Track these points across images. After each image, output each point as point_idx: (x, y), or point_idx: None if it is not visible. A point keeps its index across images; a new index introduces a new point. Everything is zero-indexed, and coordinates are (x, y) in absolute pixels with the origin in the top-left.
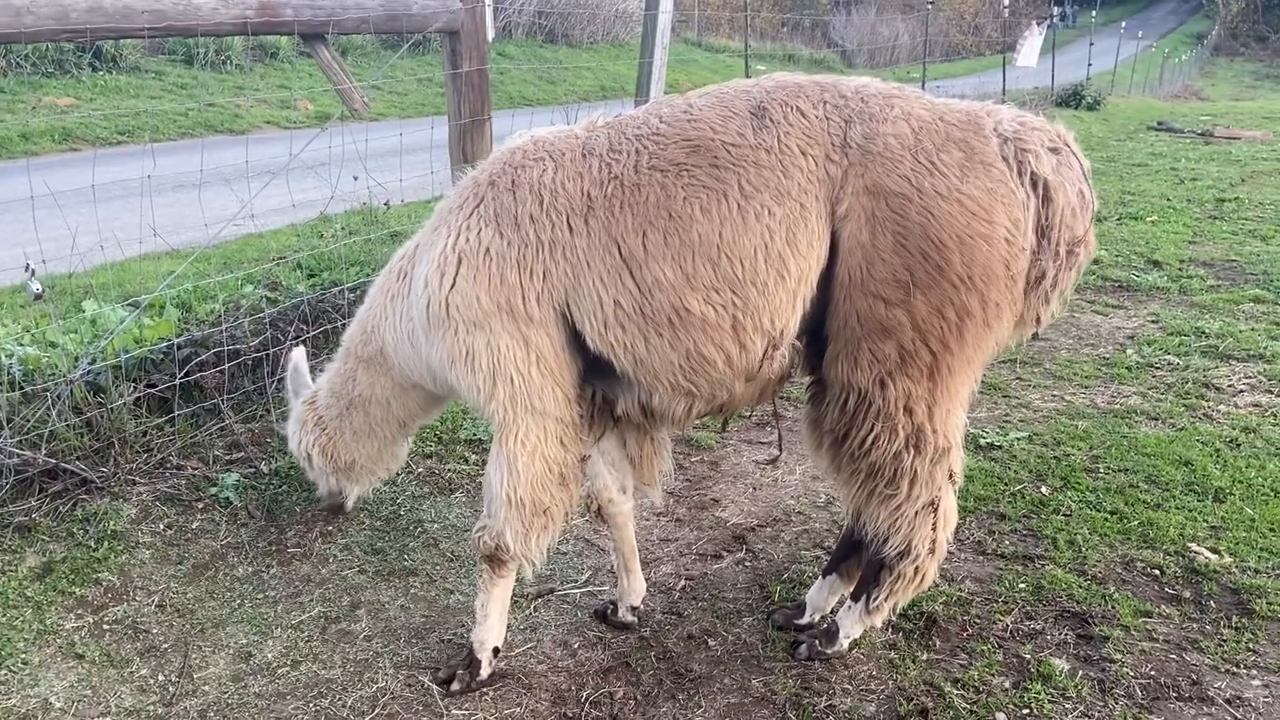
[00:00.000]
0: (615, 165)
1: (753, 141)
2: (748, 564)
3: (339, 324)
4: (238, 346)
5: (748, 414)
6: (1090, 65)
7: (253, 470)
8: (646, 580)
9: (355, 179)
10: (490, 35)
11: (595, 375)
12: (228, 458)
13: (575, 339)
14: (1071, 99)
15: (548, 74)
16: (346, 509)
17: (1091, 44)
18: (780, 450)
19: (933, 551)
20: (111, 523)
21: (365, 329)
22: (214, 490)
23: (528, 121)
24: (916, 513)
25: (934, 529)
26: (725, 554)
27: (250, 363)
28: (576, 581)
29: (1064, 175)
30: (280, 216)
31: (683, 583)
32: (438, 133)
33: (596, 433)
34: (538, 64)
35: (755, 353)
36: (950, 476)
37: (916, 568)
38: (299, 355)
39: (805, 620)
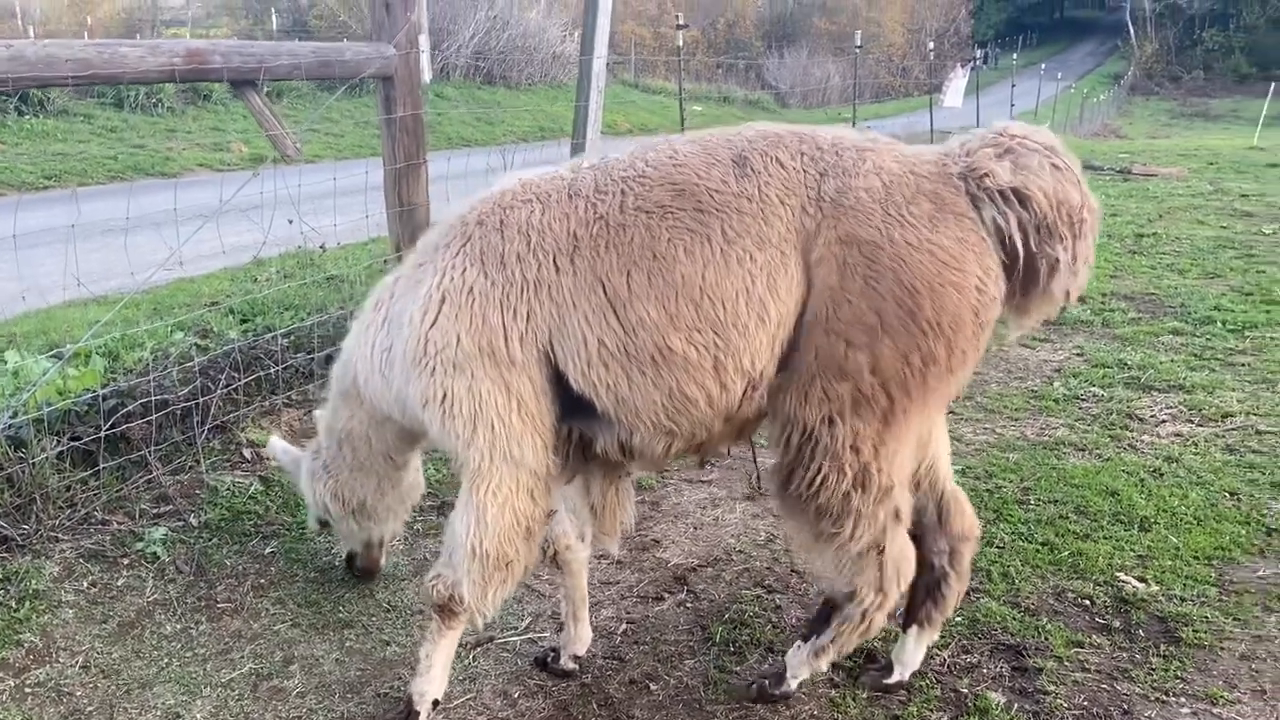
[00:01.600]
0: (601, 206)
1: (735, 189)
2: (689, 605)
3: (271, 371)
4: (166, 396)
5: (725, 454)
6: (1013, 106)
7: (181, 524)
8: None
9: (290, 222)
10: (427, 77)
11: (575, 415)
12: (155, 511)
13: (557, 381)
14: None
15: (486, 115)
16: (378, 561)
17: (1013, 85)
18: (758, 486)
19: (881, 598)
20: (33, 581)
21: (345, 362)
22: (140, 545)
23: (464, 163)
24: (860, 553)
25: (880, 574)
26: (666, 595)
27: (179, 413)
28: (517, 629)
29: (1025, 166)
30: (213, 261)
31: (624, 626)
32: (374, 175)
33: (568, 475)
34: (476, 105)
35: (735, 393)
36: (896, 516)
37: (863, 613)
38: (274, 441)
39: (780, 691)
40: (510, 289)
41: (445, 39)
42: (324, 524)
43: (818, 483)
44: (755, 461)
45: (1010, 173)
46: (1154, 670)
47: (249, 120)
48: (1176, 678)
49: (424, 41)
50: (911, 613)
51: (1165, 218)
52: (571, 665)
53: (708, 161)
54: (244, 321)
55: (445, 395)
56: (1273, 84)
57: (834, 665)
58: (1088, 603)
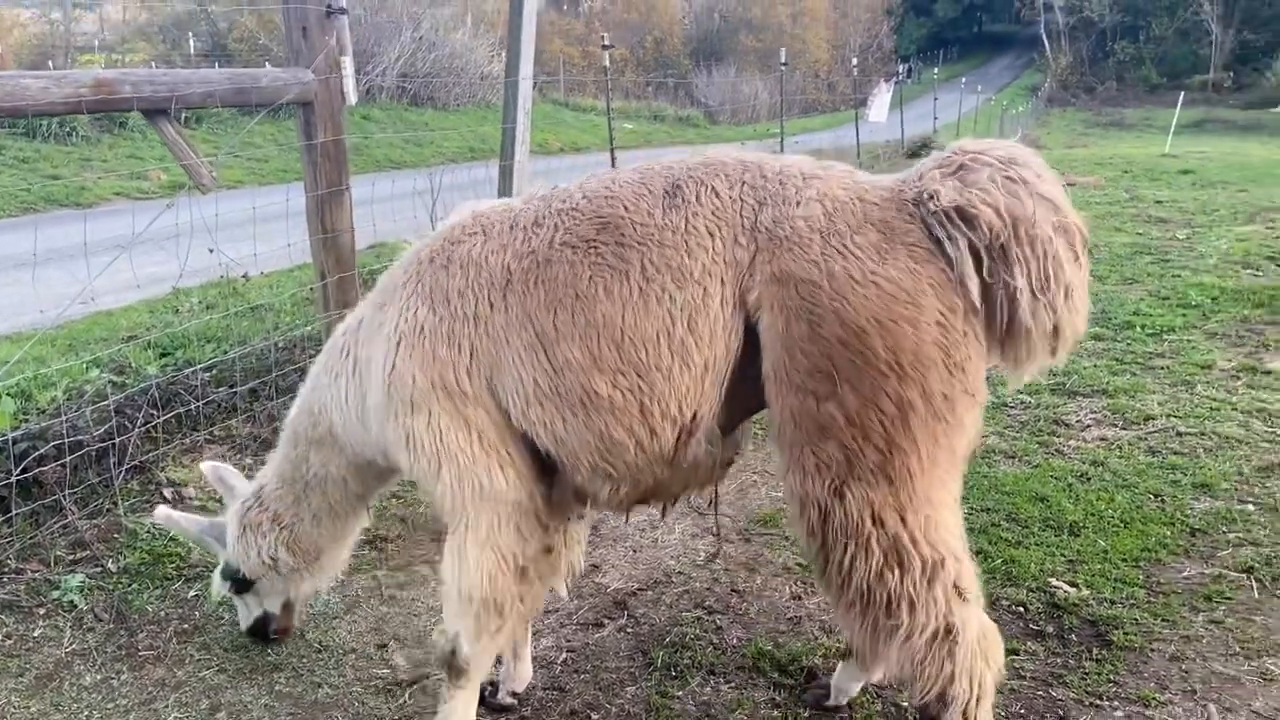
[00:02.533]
0: (534, 240)
1: (660, 221)
2: (629, 630)
3: (192, 407)
4: (80, 437)
5: (692, 500)
6: (936, 119)
7: (99, 569)
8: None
9: (211, 251)
10: (353, 100)
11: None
12: (71, 558)
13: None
14: (921, 150)
15: (414, 137)
16: (294, 622)
17: (936, 99)
18: (719, 540)
19: (977, 691)
20: None
21: (312, 411)
22: (57, 594)
23: (389, 186)
24: (927, 644)
25: (965, 662)
26: (607, 621)
27: (95, 454)
28: None
29: (973, 182)
30: (131, 293)
31: (564, 655)
32: (296, 201)
33: (573, 508)
34: (404, 127)
35: (666, 439)
36: (960, 594)
37: (964, 715)
38: (212, 467)
39: None
40: (454, 324)
41: (370, 61)
42: (244, 586)
43: (848, 565)
44: (716, 513)
45: (955, 191)
46: (1087, 674)
47: (167, 148)
48: (1109, 681)
49: (348, 64)
50: None
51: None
52: (510, 700)
53: (639, 192)
54: (164, 356)
55: (409, 436)
56: (1181, 93)
57: (775, 684)
58: (1021, 609)
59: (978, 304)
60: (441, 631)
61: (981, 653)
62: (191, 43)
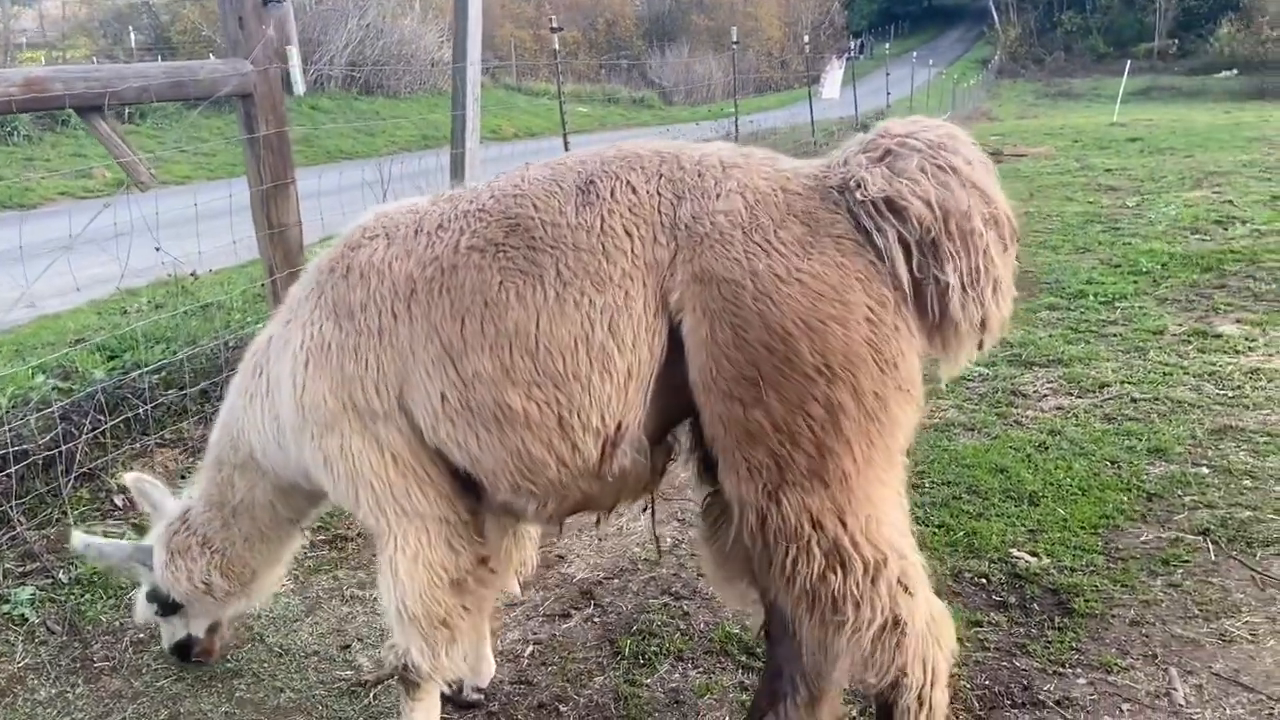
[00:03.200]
0: (438, 244)
1: (573, 221)
2: (596, 620)
3: (140, 411)
4: (25, 446)
5: (626, 510)
6: (889, 94)
7: (50, 581)
8: (493, 649)
9: (158, 249)
10: (301, 90)
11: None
12: (21, 570)
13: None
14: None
15: (365, 126)
16: (216, 644)
17: (888, 74)
18: (658, 550)
19: (930, 674)
20: None
21: (232, 434)
22: (7, 608)
23: (337, 178)
24: (875, 637)
25: (915, 649)
26: (573, 612)
27: (41, 462)
28: None
29: (901, 170)
30: (80, 295)
31: (531, 648)
32: (241, 196)
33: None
34: (354, 117)
35: (589, 453)
36: (905, 588)
37: (919, 697)
38: (135, 479)
39: None
40: (360, 339)
41: (317, 50)
42: (171, 609)
43: (790, 567)
44: (653, 523)
45: (883, 180)
46: (1050, 643)
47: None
48: (1071, 648)
49: (294, 54)
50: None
51: (1037, 196)
52: (476, 696)
53: (550, 190)
54: (111, 359)
55: (325, 459)
56: (1128, 61)
57: (743, 667)
58: (984, 581)
59: (909, 297)
60: (392, 647)
61: (933, 638)
62: (133, 36)
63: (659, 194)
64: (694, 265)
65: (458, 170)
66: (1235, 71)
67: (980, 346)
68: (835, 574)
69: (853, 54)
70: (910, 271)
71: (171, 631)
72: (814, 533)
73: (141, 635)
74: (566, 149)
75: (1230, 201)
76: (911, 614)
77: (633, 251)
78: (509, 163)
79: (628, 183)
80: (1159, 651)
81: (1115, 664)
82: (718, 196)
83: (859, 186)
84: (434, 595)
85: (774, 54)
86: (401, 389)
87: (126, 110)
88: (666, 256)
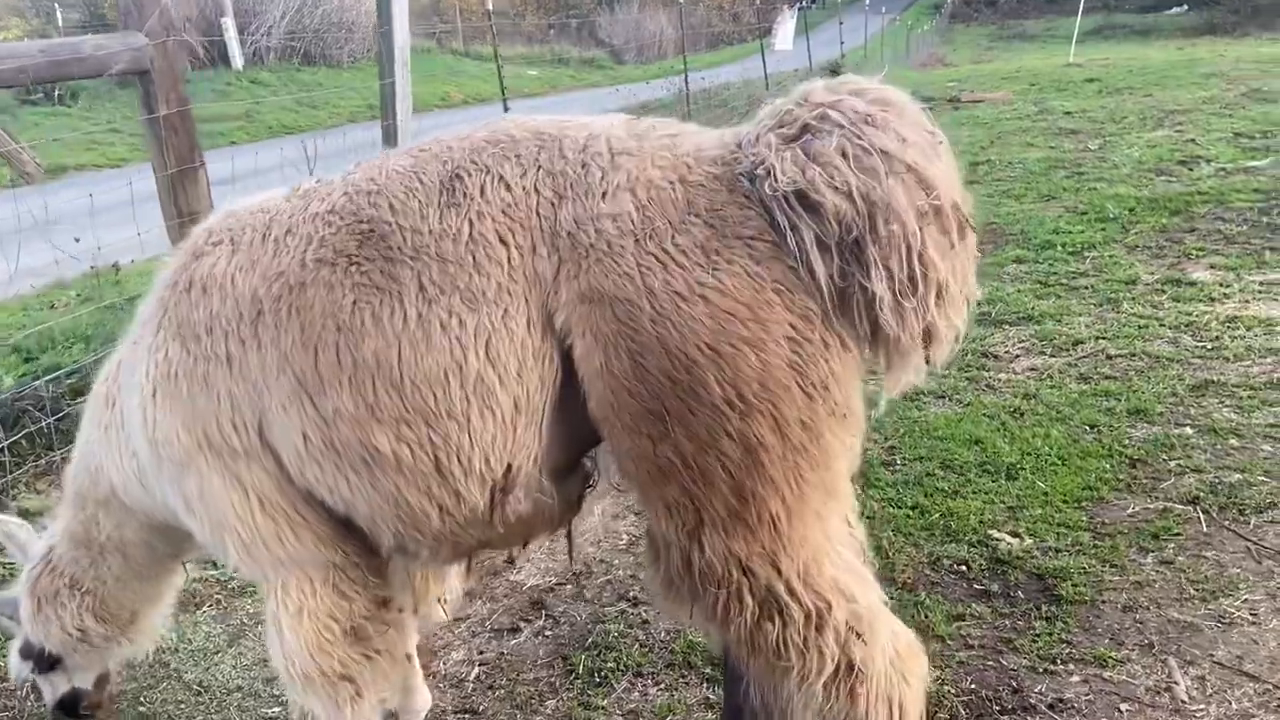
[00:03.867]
0: (285, 256)
1: (437, 226)
2: (548, 633)
3: (44, 424)
4: None
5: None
6: (843, 43)
7: None
8: (435, 672)
9: (77, 240)
10: (239, 63)
11: None
12: None
13: None
14: (830, 78)
15: (308, 98)
16: (104, 696)
17: (841, 23)
18: (579, 579)
19: (899, 714)
20: None
21: (90, 468)
22: None
23: (278, 154)
24: (827, 685)
25: (871, 695)
26: (523, 625)
27: None
28: None
29: (817, 154)
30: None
31: (476, 670)
32: (146, 183)
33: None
34: (296, 89)
35: (476, 501)
36: (855, 633)
37: None
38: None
39: None
40: (209, 366)
41: (254, 21)
42: (49, 664)
43: (722, 614)
44: (571, 556)
45: (795, 166)
46: (1038, 636)
47: (35, 130)
48: (1062, 641)
49: (230, 26)
50: None
51: (997, 143)
52: None
53: (409, 187)
54: (27, 361)
55: (185, 501)
56: (1082, 1)
57: (707, 680)
58: (964, 568)
59: (834, 307)
60: (297, 707)
61: (899, 675)
62: (59, 14)
63: (536, 191)
64: (580, 282)
65: (390, 143)
66: (1185, 8)
67: (929, 361)
68: (772, 623)
69: (805, 4)
70: (831, 280)
71: (53, 688)
72: (744, 579)
73: None
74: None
75: (1193, 140)
76: (868, 658)
77: (509, 262)
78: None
79: (500, 177)
80: (1155, 640)
81: (1110, 657)
82: (604, 195)
83: (768, 175)
84: (326, 650)
85: (725, 7)
86: (261, 423)
87: (56, 92)
88: (549, 270)
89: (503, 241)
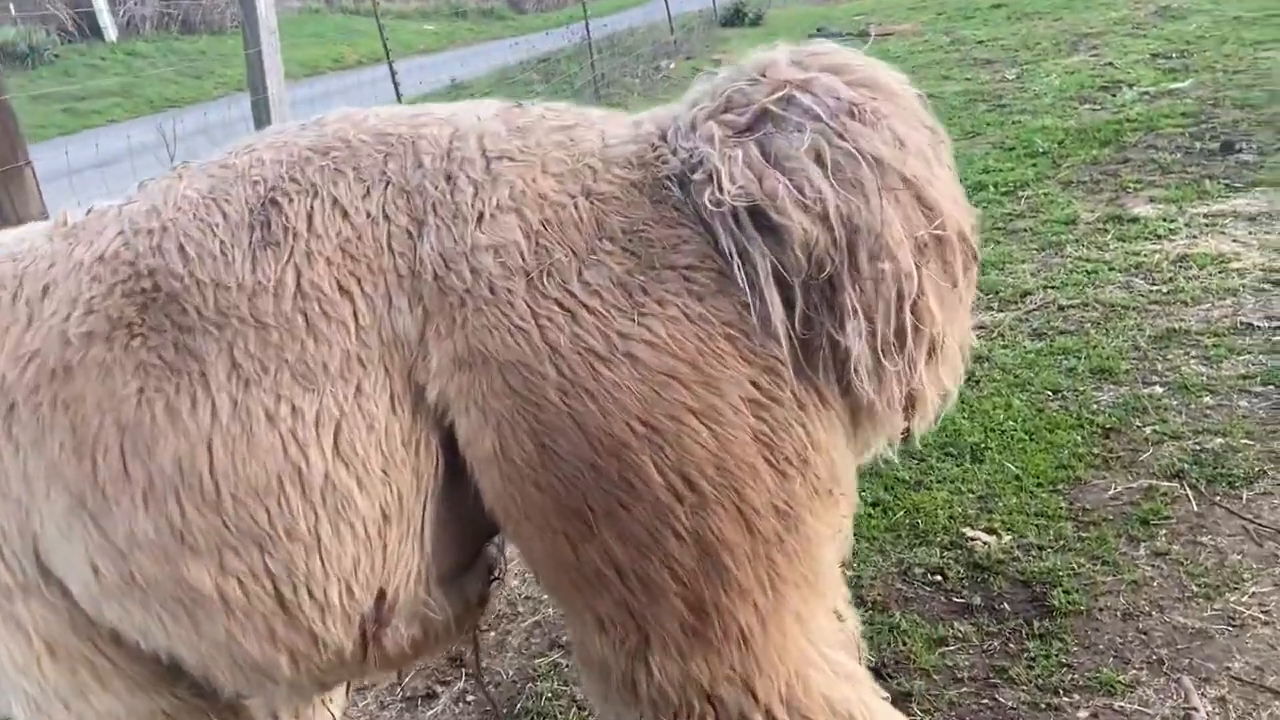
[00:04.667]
0: (41, 327)
1: (248, 278)
2: (470, 697)
3: None
4: None
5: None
6: None
7: None
8: None
9: None
10: (112, 35)
11: None
12: None
13: None
14: (735, 18)
15: (191, 69)
16: None
17: None
18: (491, 703)
19: None
20: None
21: None
22: None
23: (153, 132)
24: None
25: None
26: (440, 689)
27: None
28: None
29: (784, 157)
30: None
31: None
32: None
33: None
34: (176, 59)
35: (339, 642)
36: None
37: None
38: None
39: None
40: None
41: None
42: None
43: None
44: (479, 677)
45: (747, 173)
46: (1034, 661)
47: None
48: (1061, 664)
49: None
50: None
51: (913, 78)
52: None
53: (205, 221)
54: None
55: None
56: None
57: None
58: (939, 578)
59: (800, 358)
60: None
61: None
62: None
63: (385, 218)
64: (455, 342)
65: (261, 120)
66: None
67: (909, 436)
68: None
69: None
70: (791, 329)
71: None
72: (709, 707)
73: None
74: (393, 78)
75: (1111, 64)
76: None
77: (355, 321)
78: (335, 101)
79: (333, 200)
80: (1164, 654)
81: (1117, 681)
82: (480, 220)
83: (709, 181)
84: None
85: None
86: (36, 550)
87: None
88: (412, 328)
89: (344, 292)
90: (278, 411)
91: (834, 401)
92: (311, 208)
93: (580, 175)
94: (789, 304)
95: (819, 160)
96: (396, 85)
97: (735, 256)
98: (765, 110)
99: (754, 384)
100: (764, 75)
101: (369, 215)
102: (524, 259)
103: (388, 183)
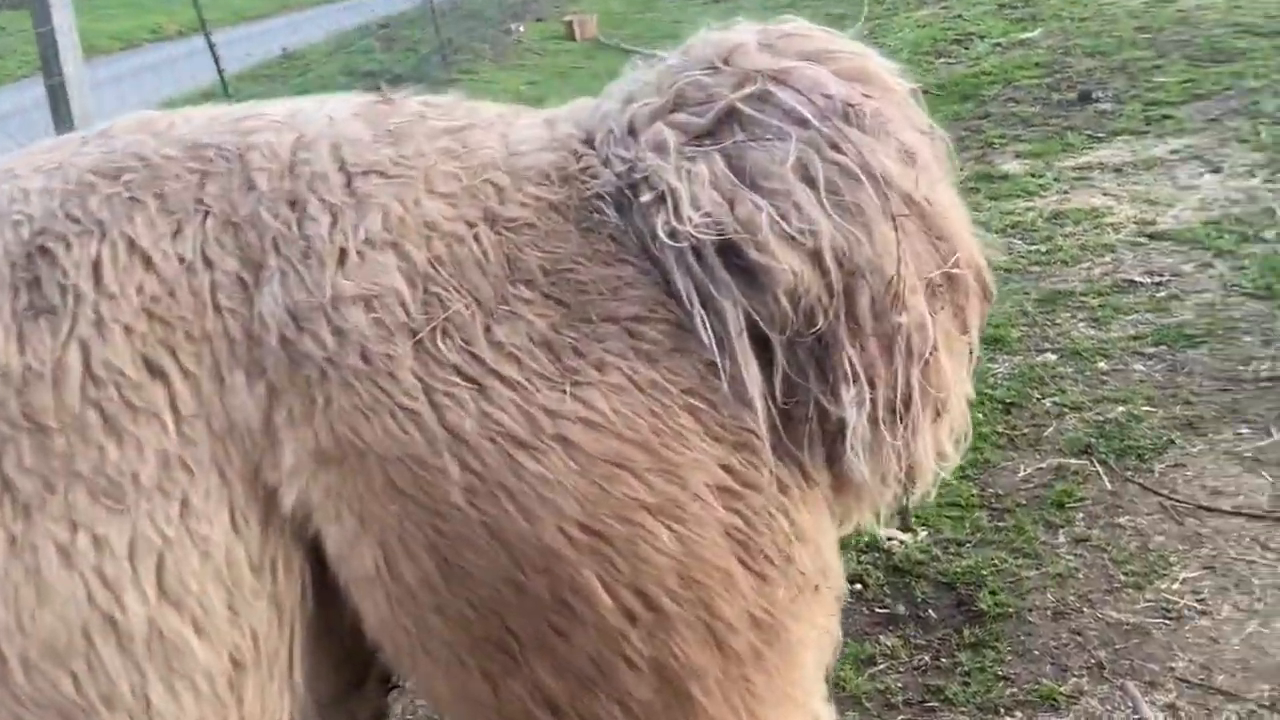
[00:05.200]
0: None
1: (14, 363)
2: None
3: None
4: None
5: None
6: None
7: None
8: None
9: None
10: None
11: None
12: None
13: None
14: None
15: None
16: None
17: None
18: None
19: None
20: None
21: None
22: None
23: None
24: None
25: None
26: None
27: None
28: None
29: (759, 178)
30: None
31: None
32: None
33: None
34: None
35: None
36: None
37: None
38: None
39: None
40: None
41: None
42: None
43: None
44: None
45: (715, 195)
46: (969, 677)
47: None
48: (997, 677)
49: None
50: None
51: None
52: None
53: None
54: None
55: None
56: None
57: None
58: (859, 587)
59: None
60: None
61: None
62: None
63: (206, 264)
64: (315, 429)
65: (59, 106)
66: None
67: (903, 512)
68: None
69: None
70: (770, 398)
71: None
72: None
73: None
74: (212, 50)
75: (960, 16)
76: None
77: (174, 411)
78: (147, 80)
79: (129, 242)
80: (1102, 657)
81: (1058, 693)
82: (342, 259)
83: (662, 204)
84: None
85: None
86: None
87: None
88: (254, 412)
89: (153, 371)
90: (74, 544)
91: (818, 478)
92: (99, 255)
93: (480, 195)
94: (768, 366)
95: (808, 179)
96: (216, 58)
97: (697, 305)
98: (733, 110)
99: (724, 467)
100: (726, 63)
101: (182, 261)
102: (408, 313)
103: (206, 213)
